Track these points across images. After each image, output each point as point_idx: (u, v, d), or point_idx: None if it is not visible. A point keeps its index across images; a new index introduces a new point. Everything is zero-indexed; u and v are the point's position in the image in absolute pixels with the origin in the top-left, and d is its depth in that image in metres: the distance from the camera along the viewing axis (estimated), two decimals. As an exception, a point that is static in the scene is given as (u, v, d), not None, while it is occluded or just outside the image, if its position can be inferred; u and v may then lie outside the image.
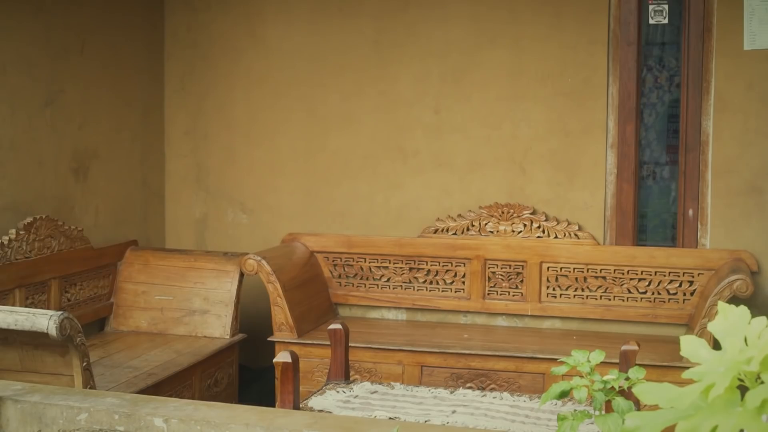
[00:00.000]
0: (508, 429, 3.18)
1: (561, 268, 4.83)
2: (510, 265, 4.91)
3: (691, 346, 1.34)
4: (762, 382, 1.25)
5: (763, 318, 1.31)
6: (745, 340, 1.30)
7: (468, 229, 4.90)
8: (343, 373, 3.75)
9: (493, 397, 3.55)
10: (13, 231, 4.14)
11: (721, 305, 1.36)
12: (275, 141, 5.26)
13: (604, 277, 4.78)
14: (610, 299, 4.77)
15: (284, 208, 5.26)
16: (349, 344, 3.86)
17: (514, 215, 4.90)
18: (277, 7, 5.21)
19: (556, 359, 2.25)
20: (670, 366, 4.15)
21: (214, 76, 5.31)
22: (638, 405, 3.13)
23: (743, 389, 1.26)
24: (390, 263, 4.98)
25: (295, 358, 3.31)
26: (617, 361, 3.55)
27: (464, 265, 4.91)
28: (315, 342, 4.57)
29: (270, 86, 5.24)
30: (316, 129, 5.19)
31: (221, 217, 5.31)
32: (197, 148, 5.14)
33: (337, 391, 3.60)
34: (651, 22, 4.75)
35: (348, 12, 5.10)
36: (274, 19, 5.21)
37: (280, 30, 5.20)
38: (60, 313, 2.89)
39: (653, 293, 4.72)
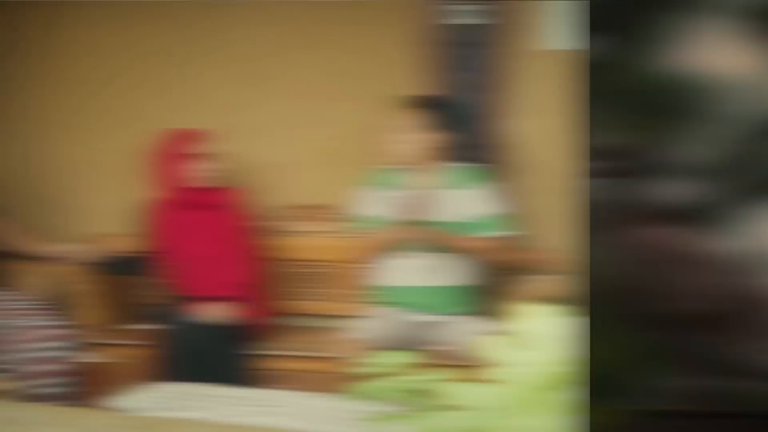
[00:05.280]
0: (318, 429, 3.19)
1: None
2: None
3: (495, 346, 1.39)
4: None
5: (556, 314, 1.35)
6: (547, 340, 1.35)
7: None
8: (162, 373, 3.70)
9: (299, 397, 3.55)
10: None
11: (525, 306, 1.39)
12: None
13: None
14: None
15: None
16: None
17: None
18: (75, 13, 5.03)
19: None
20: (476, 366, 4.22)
21: None
22: (446, 405, 3.19)
23: (551, 389, 1.31)
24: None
25: (106, 358, 3.24)
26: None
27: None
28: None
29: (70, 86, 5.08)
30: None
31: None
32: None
33: (150, 392, 3.54)
34: (458, 22, 4.76)
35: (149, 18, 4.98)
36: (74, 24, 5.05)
37: (84, 35, 5.02)
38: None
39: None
